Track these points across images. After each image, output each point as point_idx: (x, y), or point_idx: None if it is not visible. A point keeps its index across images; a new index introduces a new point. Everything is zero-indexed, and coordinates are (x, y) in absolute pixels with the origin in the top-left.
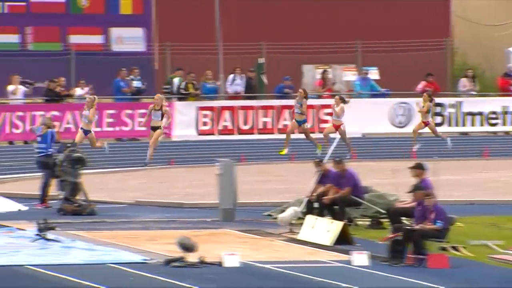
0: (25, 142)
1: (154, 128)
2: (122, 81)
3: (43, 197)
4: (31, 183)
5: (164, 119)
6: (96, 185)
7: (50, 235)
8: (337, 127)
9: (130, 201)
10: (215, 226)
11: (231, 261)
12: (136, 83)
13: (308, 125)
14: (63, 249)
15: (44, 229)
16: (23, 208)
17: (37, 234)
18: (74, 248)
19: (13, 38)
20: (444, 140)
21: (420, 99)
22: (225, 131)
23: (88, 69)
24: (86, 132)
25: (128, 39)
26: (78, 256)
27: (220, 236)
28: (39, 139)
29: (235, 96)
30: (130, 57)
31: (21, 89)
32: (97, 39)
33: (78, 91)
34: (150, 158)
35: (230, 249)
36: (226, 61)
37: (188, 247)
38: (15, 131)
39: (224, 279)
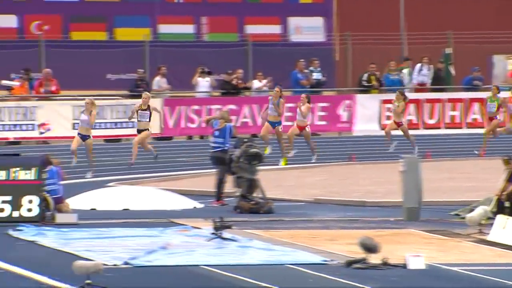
0: (201, 137)
1: (140, 131)
2: (300, 73)
3: (219, 194)
4: (207, 180)
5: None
6: (273, 182)
7: (226, 234)
8: (301, 128)
9: (308, 198)
10: (399, 226)
11: (416, 263)
12: (316, 75)
13: (281, 128)
14: (240, 248)
15: (220, 227)
16: (199, 205)
17: (213, 233)
18: (251, 247)
19: (189, 29)
20: (413, 147)
21: None
22: (410, 125)
23: (266, 60)
24: (84, 137)
25: (307, 29)
26: (255, 256)
27: (404, 236)
28: (216, 133)
29: (421, 89)
30: (309, 48)
31: (202, 81)
32: (274, 29)
33: (256, 84)
34: (131, 161)
35: (415, 250)
36: (410, 51)
37: (370, 248)
38: (190, 125)
39: (409, 282)
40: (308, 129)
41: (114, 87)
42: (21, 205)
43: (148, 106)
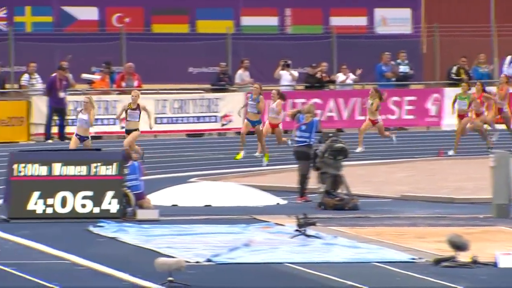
0: (285, 132)
1: (129, 132)
2: (385, 65)
3: (303, 191)
4: (291, 175)
5: (150, 120)
6: (361, 178)
7: (310, 231)
8: (274, 126)
9: (395, 195)
10: (488, 223)
11: (507, 261)
12: (403, 68)
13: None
14: (325, 246)
15: (304, 224)
16: (282, 202)
17: (296, 230)
18: (336, 245)
19: (272, 21)
20: (390, 139)
21: None
22: (498, 119)
23: (350, 53)
24: (83, 138)
25: (394, 21)
26: (341, 254)
27: (494, 234)
28: (303, 127)
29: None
30: (395, 40)
31: (285, 74)
32: (360, 21)
33: (340, 77)
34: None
35: (505, 248)
36: (500, 43)
37: (459, 246)
38: None
39: (499, 280)
40: (280, 127)
41: (196, 80)
42: (102, 201)
43: (138, 105)
